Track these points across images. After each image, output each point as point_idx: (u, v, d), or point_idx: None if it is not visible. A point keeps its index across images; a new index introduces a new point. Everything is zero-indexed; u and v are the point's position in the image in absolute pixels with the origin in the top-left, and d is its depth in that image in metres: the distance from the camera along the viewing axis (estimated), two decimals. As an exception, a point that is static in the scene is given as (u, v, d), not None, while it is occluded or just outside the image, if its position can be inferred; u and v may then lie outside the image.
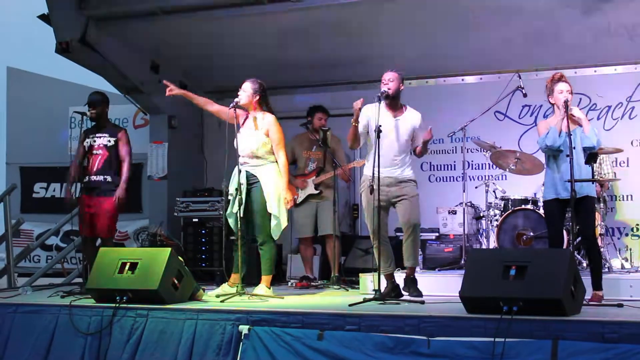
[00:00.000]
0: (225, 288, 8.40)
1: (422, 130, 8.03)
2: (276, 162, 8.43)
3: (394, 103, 8.04)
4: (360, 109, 7.86)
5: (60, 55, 10.64)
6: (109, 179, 9.15)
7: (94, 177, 9.15)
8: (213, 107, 8.75)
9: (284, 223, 8.41)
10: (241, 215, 8.25)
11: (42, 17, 10.70)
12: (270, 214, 8.32)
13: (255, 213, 8.37)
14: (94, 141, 9.22)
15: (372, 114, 7.89)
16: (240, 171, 8.32)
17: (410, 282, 8.03)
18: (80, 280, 9.82)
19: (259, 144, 8.35)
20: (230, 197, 8.39)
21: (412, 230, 7.96)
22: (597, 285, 7.49)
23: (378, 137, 7.70)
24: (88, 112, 9.19)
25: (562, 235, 7.87)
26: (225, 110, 8.47)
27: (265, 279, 8.42)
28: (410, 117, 8.08)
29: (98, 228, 9.15)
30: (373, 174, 7.69)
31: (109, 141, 9.24)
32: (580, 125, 7.61)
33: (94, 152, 9.18)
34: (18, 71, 14.26)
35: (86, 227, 9.00)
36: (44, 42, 11.07)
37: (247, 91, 8.43)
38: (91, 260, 8.95)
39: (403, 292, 8.02)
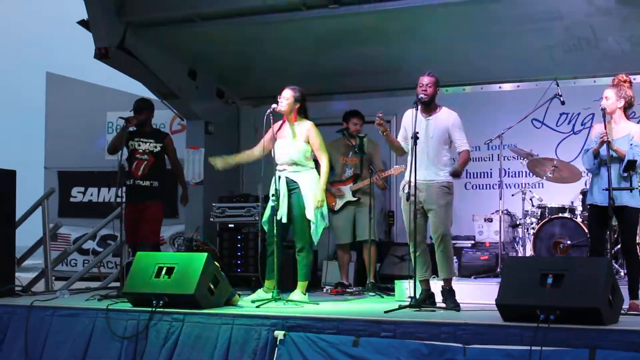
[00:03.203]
0: (260, 293, 8.42)
1: (456, 130, 7.94)
2: (314, 168, 8.45)
3: (428, 105, 8.00)
4: (382, 124, 7.85)
5: (99, 61, 10.72)
6: (155, 184, 9.28)
7: (140, 182, 9.24)
8: (255, 150, 8.76)
9: (320, 230, 8.43)
10: (285, 220, 8.29)
11: (82, 23, 10.80)
12: (309, 220, 8.35)
13: (295, 219, 8.40)
14: (139, 145, 9.33)
15: (408, 120, 7.91)
16: (280, 178, 8.35)
17: (447, 294, 7.92)
18: (117, 284, 9.88)
19: (299, 153, 8.38)
20: (272, 203, 8.39)
21: (440, 241, 7.89)
22: (634, 294, 7.44)
23: (415, 143, 7.70)
24: (133, 120, 9.27)
25: (601, 243, 7.79)
26: (261, 144, 8.57)
27: (302, 285, 8.43)
28: (443, 117, 7.98)
29: (143, 233, 9.22)
30: (409, 180, 7.70)
31: (155, 147, 9.34)
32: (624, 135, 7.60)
33: (138, 156, 9.29)
34: (57, 76, 14.39)
35: (130, 234, 9.11)
36: (83, 48, 11.17)
37: (288, 99, 8.45)
38: None
39: (440, 304, 7.92)
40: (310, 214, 8.34)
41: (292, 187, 8.40)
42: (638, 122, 10.27)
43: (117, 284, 9.55)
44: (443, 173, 7.94)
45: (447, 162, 7.99)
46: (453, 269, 8.09)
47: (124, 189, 9.33)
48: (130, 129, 9.35)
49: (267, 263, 8.51)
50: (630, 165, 7.44)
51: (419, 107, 7.95)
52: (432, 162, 7.92)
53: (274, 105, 8.39)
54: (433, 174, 7.91)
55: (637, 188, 7.59)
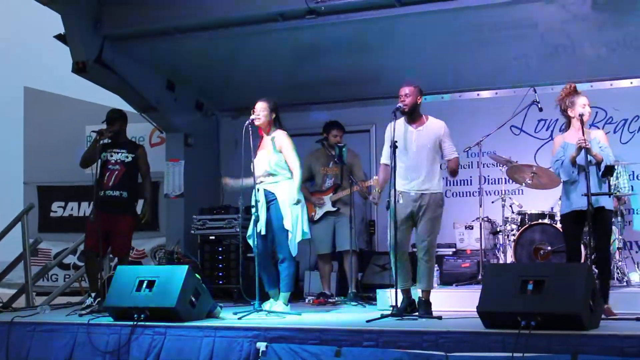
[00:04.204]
0: (272, 303, 8.44)
1: (447, 138, 7.99)
2: (291, 177, 8.45)
3: (413, 116, 8.02)
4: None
5: (77, 75, 10.69)
6: (124, 195, 9.22)
7: (109, 192, 9.20)
8: None
9: (298, 238, 8.44)
10: (264, 232, 8.29)
11: (59, 37, 10.76)
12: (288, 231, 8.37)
13: (275, 230, 8.39)
14: (111, 156, 9.30)
15: (389, 131, 7.93)
16: (258, 190, 8.35)
17: (424, 305, 7.93)
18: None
19: (274, 163, 8.40)
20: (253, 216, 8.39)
21: (425, 252, 7.91)
22: (605, 299, 7.44)
23: (394, 152, 7.72)
24: (107, 133, 9.24)
25: (579, 249, 7.84)
26: None
27: (284, 295, 8.43)
28: (433, 127, 8.03)
29: (115, 247, 9.22)
30: (391, 189, 7.72)
31: (127, 157, 9.32)
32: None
33: (110, 167, 9.25)
34: (35, 91, 14.33)
35: (97, 243, 8.96)
36: (61, 62, 11.14)
37: (264, 110, 8.46)
38: (92, 275, 9.03)
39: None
40: (287, 223, 8.34)
41: (270, 199, 8.40)
42: (615, 129, 10.48)
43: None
44: (437, 182, 7.97)
45: (439, 171, 8.04)
46: (433, 282, 8.09)
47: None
48: (105, 140, 9.32)
49: (263, 278, 8.51)
50: (608, 170, 7.48)
51: (405, 118, 7.98)
52: (427, 172, 7.93)
53: (251, 117, 8.39)
54: (427, 184, 7.93)
55: (614, 194, 7.64)
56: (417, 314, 7.82)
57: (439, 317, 7.56)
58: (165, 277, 7.77)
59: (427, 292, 7.97)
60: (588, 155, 7.44)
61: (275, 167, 8.40)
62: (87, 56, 10.53)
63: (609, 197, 7.65)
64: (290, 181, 8.46)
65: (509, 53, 10.33)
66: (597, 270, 7.49)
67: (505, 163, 9.89)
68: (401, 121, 8.01)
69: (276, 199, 8.38)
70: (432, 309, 7.89)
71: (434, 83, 10.81)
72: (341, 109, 11.55)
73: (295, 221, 8.35)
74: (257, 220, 8.27)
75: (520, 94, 10.33)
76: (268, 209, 8.39)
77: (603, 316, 7.07)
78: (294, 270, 8.60)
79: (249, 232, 8.51)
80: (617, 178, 9.75)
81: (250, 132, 8.34)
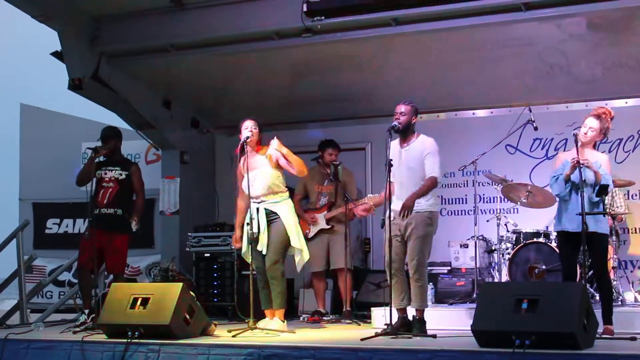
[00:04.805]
0: (266, 322, 8.40)
1: (428, 155, 7.92)
2: (290, 198, 8.50)
3: (405, 135, 8.04)
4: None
5: (73, 92, 10.70)
6: (119, 212, 9.23)
7: (104, 210, 9.21)
8: (241, 202, 8.66)
9: (307, 256, 8.49)
10: (265, 252, 8.31)
11: (55, 54, 10.79)
12: (286, 250, 8.44)
13: (272, 247, 8.39)
14: (105, 174, 9.31)
15: (389, 150, 7.92)
16: (258, 209, 8.36)
17: (418, 323, 7.91)
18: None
19: (275, 178, 8.44)
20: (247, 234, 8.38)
21: (414, 271, 7.90)
22: (608, 319, 7.47)
23: (389, 170, 7.74)
24: (102, 150, 9.26)
25: (573, 268, 7.84)
26: (242, 193, 8.53)
27: (279, 313, 8.42)
28: (417, 145, 8.00)
29: (109, 264, 9.22)
30: (385, 207, 7.73)
31: (121, 174, 9.33)
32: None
33: (104, 184, 9.26)
34: (31, 108, 14.32)
35: (90, 259, 8.96)
36: (57, 79, 11.16)
37: (255, 128, 8.50)
38: (86, 292, 9.02)
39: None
40: (295, 241, 8.37)
41: (272, 218, 8.42)
42: (610, 148, 10.47)
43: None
44: (424, 202, 7.91)
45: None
46: (426, 300, 8.04)
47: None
48: (101, 158, 9.33)
49: (262, 297, 8.51)
50: (603, 189, 7.49)
51: (399, 136, 8.01)
52: (410, 192, 7.92)
53: (247, 135, 8.41)
54: (414, 204, 7.90)
55: (607, 213, 7.66)
56: (411, 332, 7.82)
57: (434, 336, 7.54)
58: (160, 294, 7.77)
59: (420, 311, 7.96)
60: (583, 175, 7.45)
61: (277, 182, 8.46)
62: (83, 73, 10.56)
63: (604, 216, 7.64)
64: (290, 201, 8.53)
65: (504, 72, 10.36)
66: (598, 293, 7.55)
67: (500, 182, 9.89)
68: (397, 139, 8.06)
69: (279, 217, 8.40)
70: (427, 327, 7.87)
71: (430, 102, 10.82)
72: (337, 127, 11.56)
73: (302, 240, 8.44)
74: (252, 237, 8.26)
75: (516, 112, 10.37)
76: (269, 226, 8.39)
77: (604, 336, 7.09)
78: (285, 287, 8.58)
79: (244, 248, 8.51)
80: (612, 197, 9.76)
81: (247, 149, 8.37)
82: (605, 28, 9.51)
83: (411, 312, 8.03)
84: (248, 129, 8.47)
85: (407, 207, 7.77)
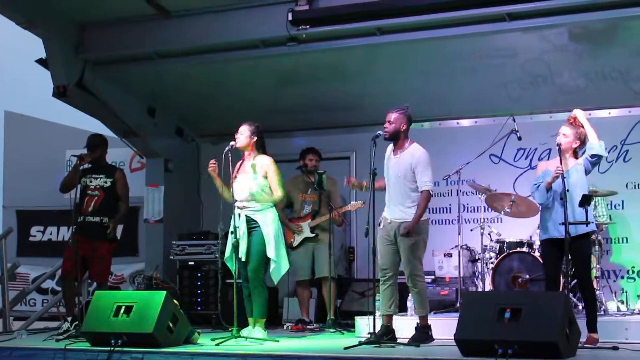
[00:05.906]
0: (250, 330, 8.39)
1: (418, 167, 7.91)
2: (274, 206, 8.47)
3: (396, 143, 8.06)
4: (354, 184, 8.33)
5: (58, 99, 10.68)
6: (105, 220, 9.21)
7: (89, 218, 9.20)
8: (225, 192, 8.62)
9: (285, 266, 8.48)
10: (244, 259, 8.29)
11: (40, 62, 10.77)
12: (268, 259, 8.38)
13: (252, 257, 8.38)
14: (90, 181, 9.30)
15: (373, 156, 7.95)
16: (239, 215, 8.35)
17: (419, 330, 7.96)
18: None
19: (258, 187, 8.39)
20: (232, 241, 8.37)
21: (409, 280, 7.96)
22: (592, 327, 7.49)
23: (373, 180, 7.77)
24: (87, 158, 9.25)
25: (557, 277, 7.87)
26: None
27: (260, 322, 8.41)
28: (407, 155, 8.00)
29: (93, 272, 9.21)
30: (369, 216, 7.74)
31: (106, 182, 9.32)
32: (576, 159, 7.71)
33: (89, 192, 9.25)
34: (15, 115, 14.28)
35: (74, 267, 8.95)
36: (41, 86, 11.13)
37: (244, 133, 8.48)
38: (69, 300, 9.00)
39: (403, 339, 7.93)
40: (271, 252, 8.34)
41: (253, 226, 8.40)
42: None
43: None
44: (411, 212, 7.92)
45: (416, 199, 7.96)
46: (425, 306, 8.05)
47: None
48: (85, 165, 9.32)
49: (246, 305, 8.51)
50: (586, 199, 7.52)
51: (392, 143, 8.05)
52: (399, 201, 7.95)
53: (232, 143, 8.41)
54: (401, 213, 7.95)
55: (593, 222, 7.69)
56: (396, 341, 7.83)
57: (417, 345, 7.55)
58: (143, 302, 7.76)
59: (422, 318, 8.01)
60: (566, 184, 7.49)
61: (261, 192, 8.41)
62: (67, 80, 10.55)
63: (586, 226, 7.68)
64: (273, 210, 8.50)
65: (489, 82, 10.40)
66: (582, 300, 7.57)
67: (484, 191, 9.92)
68: (391, 146, 8.08)
69: (259, 226, 8.38)
70: (420, 334, 7.91)
71: (414, 111, 10.70)
72: (322, 135, 11.56)
73: (280, 251, 8.38)
74: (236, 246, 8.26)
75: (500, 122, 10.39)
76: (249, 234, 8.38)
77: (587, 345, 7.12)
78: (267, 296, 8.56)
79: (227, 254, 8.51)
80: (595, 207, 9.80)
81: (230, 157, 8.36)
82: (588, 39, 9.58)
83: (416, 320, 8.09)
84: (237, 134, 8.47)
85: (411, 231, 7.80)
